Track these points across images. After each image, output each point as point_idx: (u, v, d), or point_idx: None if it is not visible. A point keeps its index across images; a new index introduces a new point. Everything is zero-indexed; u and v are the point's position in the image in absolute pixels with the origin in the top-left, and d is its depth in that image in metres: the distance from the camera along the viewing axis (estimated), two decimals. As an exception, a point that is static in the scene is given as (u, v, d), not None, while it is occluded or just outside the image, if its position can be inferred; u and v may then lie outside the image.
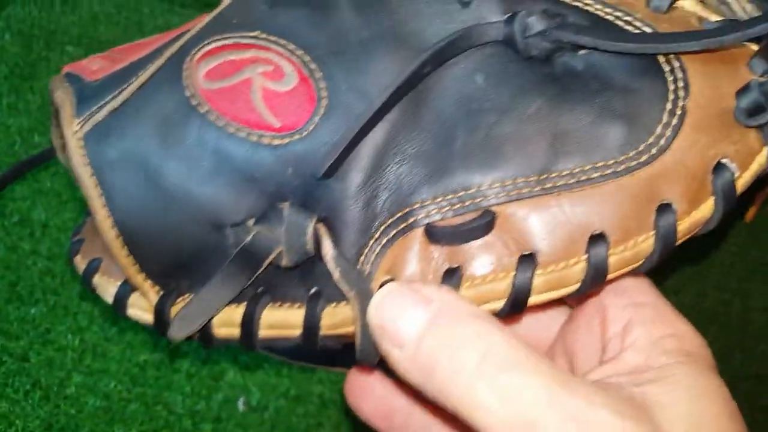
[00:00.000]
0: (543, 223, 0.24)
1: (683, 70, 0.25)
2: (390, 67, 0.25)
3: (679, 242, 0.25)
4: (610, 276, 0.25)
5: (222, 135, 0.25)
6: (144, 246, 0.26)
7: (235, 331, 0.27)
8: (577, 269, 0.25)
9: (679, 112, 0.24)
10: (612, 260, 0.24)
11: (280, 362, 0.48)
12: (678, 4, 0.26)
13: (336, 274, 0.24)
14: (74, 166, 0.26)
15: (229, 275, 0.25)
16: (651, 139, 0.24)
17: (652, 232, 0.24)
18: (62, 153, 0.29)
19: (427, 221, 0.25)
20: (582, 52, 0.25)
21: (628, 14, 0.26)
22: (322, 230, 0.25)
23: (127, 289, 0.28)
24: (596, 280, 0.25)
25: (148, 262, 0.27)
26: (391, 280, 0.25)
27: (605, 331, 0.27)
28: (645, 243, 0.24)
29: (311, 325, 0.26)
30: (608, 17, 0.26)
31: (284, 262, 0.26)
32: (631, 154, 0.24)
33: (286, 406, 0.47)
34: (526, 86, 0.25)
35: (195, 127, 0.25)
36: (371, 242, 0.25)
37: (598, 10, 0.26)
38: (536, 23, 0.25)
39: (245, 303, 0.27)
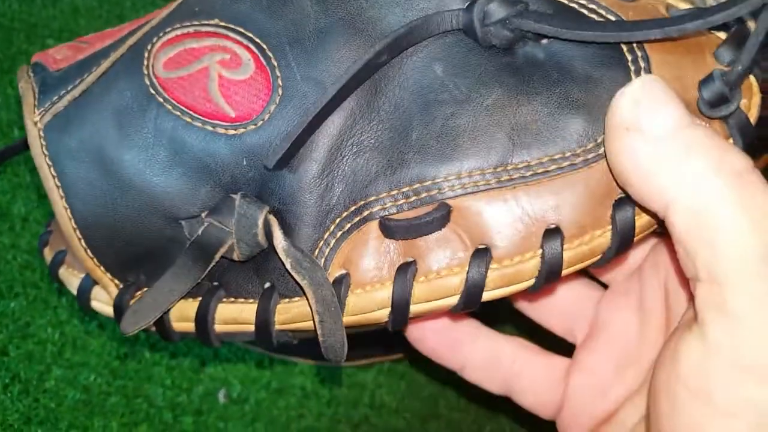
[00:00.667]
0: (498, 217, 0.24)
1: (646, 60, 0.24)
2: (346, 56, 0.25)
3: (638, 237, 0.24)
4: (565, 271, 0.24)
5: (178, 124, 0.25)
6: (101, 239, 0.26)
7: (191, 326, 0.27)
8: (531, 264, 0.24)
9: None
10: (567, 255, 0.24)
11: (261, 355, 0.48)
12: None
13: (288, 264, 0.24)
14: (34, 157, 0.26)
15: (182, 269, 0.25)
16: None
17: (609, 227, 0.24)
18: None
19: (382, 214, 0.25)
20: (544, 41, 0.25)
21: (593, 2, 0.25)
22: (273, 221, 0.25)
23: (90, 282, 0.28)
24: (551, 275, 0.24)
25: (106, 256, 0.26)
26: (346, 274, 0.25)
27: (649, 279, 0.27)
28: (602, 237, 0.24)
29: (264, 320, 0.26)
30: (572, 5, 0.25)
31: (236, 255, 0.25)
32: (589, 146, 0.24)
33: (267, 398, 0.47)
34: (485, 76, 0.25)
35: (152, 116, 0.25)
36: (326, 235, 0.25)
37: None
38: (496, 11, 0.24)
39: (200, 298, 0.26)
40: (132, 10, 0.54)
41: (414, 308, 0.25)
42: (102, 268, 0.27)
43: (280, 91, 0.25)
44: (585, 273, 0.34)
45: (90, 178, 0.26)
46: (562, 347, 0.34)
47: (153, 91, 0.25)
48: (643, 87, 0.22)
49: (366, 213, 0.25)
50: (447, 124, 0.25)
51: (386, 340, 0.48)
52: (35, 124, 0.26)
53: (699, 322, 0.21)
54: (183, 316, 0.27)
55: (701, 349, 0.21)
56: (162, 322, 0.27)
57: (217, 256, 0.25)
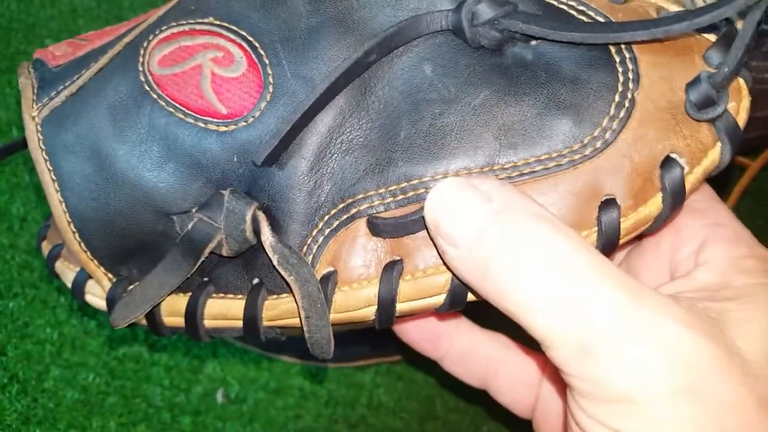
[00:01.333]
0: None
1: (634, 61, 0.24)
2: (336, 55, 0.25)
3: (624, 240, 0.24)
4: None
5: (171, 121, 0.25)
6: (95, 233, 0.26)
7: (182, 321, 0.27)
8: None
9: (627, 104, 0.24)
10: None
11: (259, 355, 0.48)
12: None
13: (275, 260, 0.24)
14: (31, 151, 0.26)
15: (172, 263, 0.25)
16: (597, 132, 0.24)
17: (595, 228, 0.24)
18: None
19: (370, 212, 0.25)
20: (533, 42, 0.25)
21: (582, 3, 0.25)
22: (261, 217, 0.25)
23: (84, 275, 0.28)
24: None
25: (100, 249, 0.27)
26: (334, 272, 0.25)
27: (677, 250, 0.26)
28: (587, 239, 0.24)
29: (251, 316, 0.26)
30: (561, 6, 0.25)
31: (225, 250, 0.25)
32: (575, 148, 0.24)
33: (265, 398, 0.48)
34: (473, 77, 0.25)
35: (146, 112, 0.25)
36: (314, 232, 0.25)
37: None
38: (484, 11, 0.24)
39: (190, 293, 0.27)
40: (130, 9, 0.54)
41: (400, 306, 0.25)
42: (95, 261, 0.27)
43: (271, 89, 0.25)
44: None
45: (85, 173, 0.26)
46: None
47: (147, 88, 0.26)
48: (438, 197, 0.23)
49: (354, 211, 0.25)
50: (435, 123, 0.25)
51: (382, 340, 0.48)
52: (33, 118, 0.26)
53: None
54: (173, 310, 0.27)
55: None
56: (152, 317, 0.27)
57: (206, 252, 0.25)
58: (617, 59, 0.24)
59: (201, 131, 0.25)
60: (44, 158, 0.26)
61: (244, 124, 0.25)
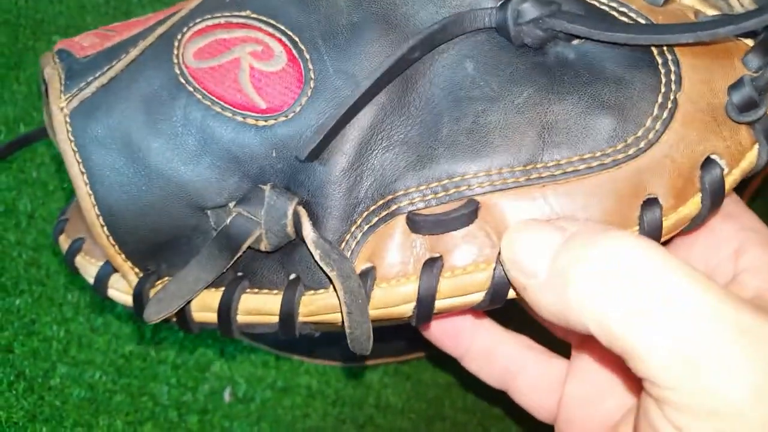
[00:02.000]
0: (526, 215, 0.24)
1: (676, 63, 0.24)
2: (379, 51, 0.25)
3: (664, 238, 0.24)
4: None
5: (208, 114, 0.25)
6: (124, 226, 0.26)
7: (213, 316, 0.27)
8: None
9: (670, 105, 0.24)
10: None
11: (266, 353, 0.48)
12: None
13: (316, 255, 0.24)
14: (59, 143, 0.26)
15: (208, 258, 0.25)
16: (640, 132, 0.24)
17: (637, 228, 0.24)
18: (53, 131, 0.29)
19: (409, 209, 0.25)
20: (575, 41, 0.25)
21: (624, 5, 0.25)
22: (302, 212, 0.25)
23: (108, 269, 0.28)
24: None
25: (128, 243, 0.26)
26: (372, 268, 0.25)
27: (712, 254, 0.26)
28: None
29: (288, 311, 0.26)
30: (603, 7, 0.25)
31: (263, 245, 0.25)
32: (619, 147, 0.24)
33: (272, 397, 0.47)
34: (516, 75, 0.25)
35: (181, 105, 0.25)
36: (353, 229, 0.25)
37: None
38: (529, 10, 0.24)
39: (224, 288, 0.26)
40: (138, 6, 0.54)
41: (439, 304, 0.25)
42: (123, 255, 0.27)
43: (312, 84, 0.25)
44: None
45: (116, 165, 0.25)
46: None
47: (183, 81, 0.25)
48: (514, 234, 0.23)
49: (394, 207, 0.25)
50: (478, 120, 0.25)
51: (397, 338, 0.48)
52: (61, 109, 0.26)
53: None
54: (205, 306, 0.27)
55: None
56: (183, 312, 0.27)
57: (245, 246, 0.25)
58: (659, 61, 0.24)
59: (239, 125, 0.25)
60: (73, 150, 0.26)
61: (284, 119, 0.25)
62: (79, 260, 0.29)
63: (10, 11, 0.50)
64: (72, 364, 0.43)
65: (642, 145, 0.24)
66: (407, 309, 0.25)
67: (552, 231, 0.22)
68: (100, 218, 0.26)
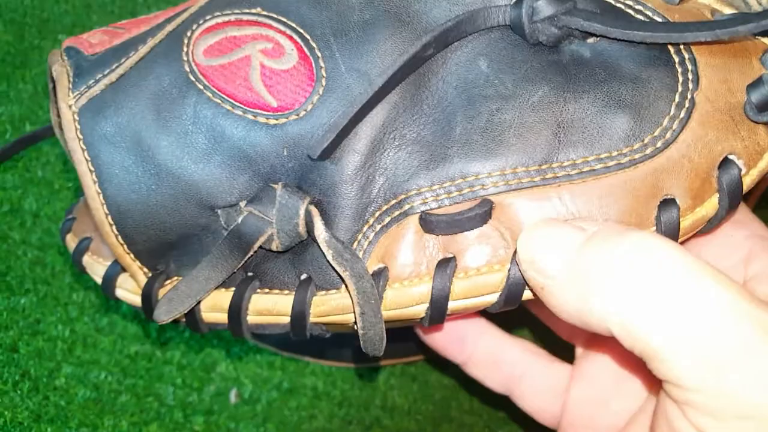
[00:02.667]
0: (541, 215, 0.24)
1: (694, 62, 0.24)
2: (392, 48, 0.25)
3: (681, 239, 0.24)
4: None
5: (218, 112, 0.25)
6: (133, 225, 0.26)
7: (222, 317, 0.26)
8: None
9: (687, 104, 0.24)
10: None
11: (272, 354, 0.47)
12: None
13: (329, 255, 0.24)
14: (68, 141, 0.25)
15: (219, 258, 0.25)
16: (657, 132, 0.24)
17: (654, 228, 0.24)
18: (59, 130, 0.29)
19: (422, 209, 0.25)
20: (591, 39, 0.25)
21: (640, 3, 0.25)
22: (314, 212, 0.24)
23: (116, 269, 0.28)
24: None
25: (137, 243, 0.26)
26: (384, 268, 0.25)
27: (721, 259, 0.26)
28: None
29: (300, 312, 0.26)
30: (619, 5, 0.25)
31: (275, 245, 0.25)
32: (636, 147, 0.24)
33: (278, 398, 0.47)
34: (531, 73, 0.25)
35: (191, 103, 0.25)
36: (365, 228, 0.25)
37: None
38: (544, 8, 0.24)
39: (234, 288, 0.26)
40: (144, 5, 0.54)
41: (452, 305, 0.25)
42: (131, 255, 0.26)
43: (324, 82, 0.25)
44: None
45: (125, 164, 0.25)
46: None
47: (192, 78, 0.25)
48: (531, 233, 0.23)
49: (406, 207, 0.25)
50: (492, 119, 0.24)
51: (400, 339, 0.47)
52: (70, 107, 0.26)
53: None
54: (215, 306, 0.26)
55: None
56: (192, 312, 0.26)
57: (256, 246, 0.25)
58: (676, 59, 0.24)
59: (249, 123, 0.25)
60: (82, 148, 0.25)
61: (296, 117, 0.25)
62: (87, 260, 0.29)
63: (16, 10, 0.50)
64: (77, 364, 0.43)
65: (659, 144, 0.24)
66: (420, 310, 0.25)
67: (572, 231, 0.22)
68: (109, 217, 0.26)
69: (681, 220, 0.24)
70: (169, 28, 0.27)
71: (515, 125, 0.24)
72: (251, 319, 0.26)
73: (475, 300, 0.25)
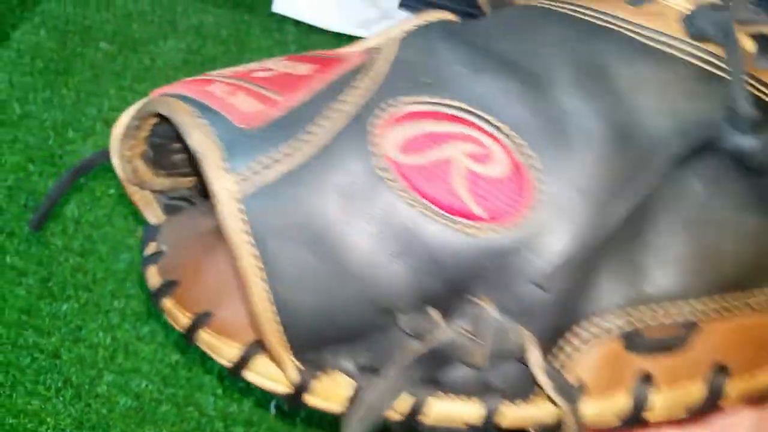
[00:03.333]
0: (738, 337, 0.24)
1: None
2: (614, 166, 0.23)
3: None
4: None
5: (413, 214, 0.23)
6: (303, 327, 0.23)
7: (396, 416, 0.25)
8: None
9: None
10: None
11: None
12: None
13: (549, 387, 0.22)
14: (226, 230, 0.23)
15: (409, 369, 0.23)
16: None
17: None
18: (124, 163, 0.27)
19: (624, 329, 0.24)
20: None
21: None
22: (530, 338, 0.23)
23: (253, 353, 0.25)
24: None
25: (300, 339, 0.24)
26: (583, 386, 0.24)
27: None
28: None
29: (488, 422, 0.24)
30: None
31: (479, 362, 0.23)
32: None
33: (317, 412, 0.46)
34: (745, 200, 0.24)
35: (382, 201, 0.23)
36: (563, 344, 0.24)
37: None
38: None
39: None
40: (184, 15, 0.54)
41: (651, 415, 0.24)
42: (292, 351, 0.24)
43: (538, 195, 0.23)
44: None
45: (302, 263, 0.23)
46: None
47: (383, 174, 0.23)
48: None
49: (607, 326, 0.24)
50: (706, 246, 0.23)
51: None
52: (231, 193, 0.23)
53: None
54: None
55: None
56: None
57: (457, 364, 0.23)
58: None
59: (448, 230, 0.22)
60: (249, 242, 0.22)
61: (504, 229, 0.23)
62: (207, 338, 0.26)
63: (59, 17, 0.50)
64: (118, 372, 0.43)
65: None
66: (614, 420, 0.24)
67: None
68: (277, 317, 0.23)
69: None
70: (346, 108, 0.24)
71: (731, 253, 0.23)
72: (426, 419, 0.25)
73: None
